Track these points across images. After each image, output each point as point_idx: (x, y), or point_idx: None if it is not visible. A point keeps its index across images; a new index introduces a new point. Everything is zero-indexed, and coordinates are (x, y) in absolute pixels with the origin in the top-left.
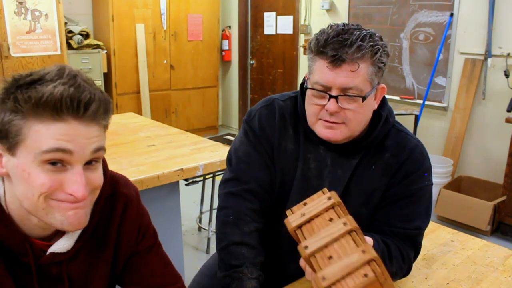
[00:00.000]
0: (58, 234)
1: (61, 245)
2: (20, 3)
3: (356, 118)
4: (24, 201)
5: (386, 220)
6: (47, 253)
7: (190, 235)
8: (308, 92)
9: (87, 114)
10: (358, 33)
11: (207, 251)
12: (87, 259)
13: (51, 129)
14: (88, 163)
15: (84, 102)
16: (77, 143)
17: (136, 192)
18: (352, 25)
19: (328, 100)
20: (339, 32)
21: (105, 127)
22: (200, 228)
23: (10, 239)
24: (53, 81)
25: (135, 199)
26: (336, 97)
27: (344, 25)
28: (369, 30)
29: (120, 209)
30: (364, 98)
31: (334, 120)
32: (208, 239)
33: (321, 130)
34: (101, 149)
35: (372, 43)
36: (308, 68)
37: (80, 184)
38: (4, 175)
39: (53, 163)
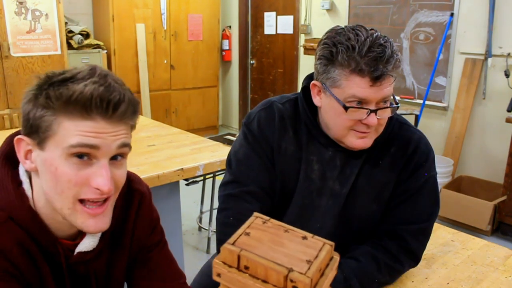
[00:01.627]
0: (81, 233)
1: (87, 244)
2: (20, 3)
3: (385, 122)
4: (51, 196)
5: (400, 218)
6: (75, 253)
7: (190, 235)
8: (338, 105)
9: (115, 115)
10: (387, 43)
11: (207, 251)
12: (108, 256)
13: (80, 126)
14: (114, 158)
15: (113, 103)
16: (103, 139)
17: (148, 188)
18: (376, 31)
19: (369, 115)
20: (373, 43)
21: (132, 127)
22: (200, 228)
23: (43, 240)
24: (84, 79)
25: (148, 196)
26: (375, 111)
27: (374, 33)
28: (378, 32)
29: (135, 205)
30: (397, 106)
31: (370, 130)
32: (208, 239)
33: (354, 141)
34: (127, 145)
35: (395, 48)
36: (329, 80)
37: (106, 178)
38: (34, 170)
39: (80, 156)
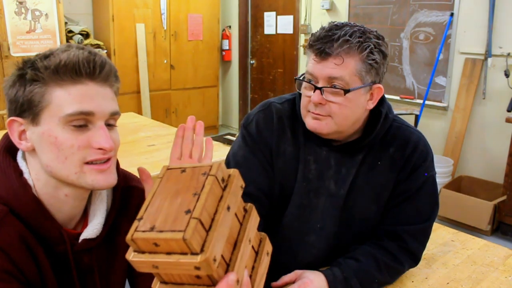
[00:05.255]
0: (80, 221)
1: (90, 231)
2: (20, 3)
3: (341, 112)
4: (54, 166)
5: (400, 218)
6: (80, 240)
7: None
8: (301, 86)
9: (102, 75)
10: (348, 29)
11: None
12: (109, 248)
13: (72, 92)
14: (107, 125)
15: (99, 63)
16: (96, 103)
17: None
18: (350, 23)
19: (314, 92)
20: (331, 28)
21: (116, 93)
22: None
23: (46, 228)
24: (65, 50)
25: None
26: (320, 89)
27: (342, 23)
28: (365, 28)
29: (135, 200)
30: (347, 91)
31: (319, 112)
32: None
33: (309, 121)
34: (117, 113)
35: (361, 39)
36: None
37: (106, 136)
38: (30, 149)
39: (77, 126)
